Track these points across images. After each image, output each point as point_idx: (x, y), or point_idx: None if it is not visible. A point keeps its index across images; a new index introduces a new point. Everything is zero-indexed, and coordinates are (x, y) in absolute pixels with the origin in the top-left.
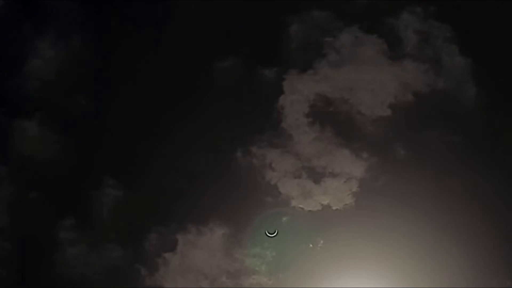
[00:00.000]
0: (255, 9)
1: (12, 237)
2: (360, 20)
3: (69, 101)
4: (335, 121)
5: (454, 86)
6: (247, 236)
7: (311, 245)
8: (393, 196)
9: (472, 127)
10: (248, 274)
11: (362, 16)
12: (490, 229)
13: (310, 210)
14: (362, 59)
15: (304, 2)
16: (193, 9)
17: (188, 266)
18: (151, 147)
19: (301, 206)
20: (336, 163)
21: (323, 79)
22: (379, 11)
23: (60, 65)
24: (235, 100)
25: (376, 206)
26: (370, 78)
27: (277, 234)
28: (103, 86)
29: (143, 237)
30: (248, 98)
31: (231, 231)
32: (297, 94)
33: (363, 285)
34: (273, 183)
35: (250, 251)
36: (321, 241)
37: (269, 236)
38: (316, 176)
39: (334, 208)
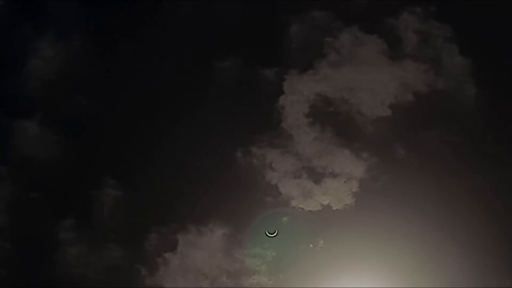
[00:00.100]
0: (255, 9)
1: (12, 237)
2: (360, 20)
3: (69, 101)
4: (335, 121)
5: (454, 86)
6: (247, 236)
7: (311, 245)
8: (393, 196)
9: (472, 127)
10: (248, 274)
11: (362, 16)
12: (490, 229)
13: (310, 210)
14: (362, 59)
15: (304, 2)
16: (193, 9)
17: (188, 266)
18: (151, 147)
19: (301, 206)
20: (336, 163)
21: (323, 79)
22: (379, 11)
23: (60, 65)
24: (235, 100)
25: (376, 206)
26: (370, 78)
27: (277, 234)
28: (103, 86)
29: (143, 237)
30: (248, 98)
31: (231, 231)
32: (297, 94)
33: (363, 285)
34: (273, 183)
35: (250, 251)
36: (321, 241)
37: (269, 236)
38: (316, 176)
39: (334, 208)
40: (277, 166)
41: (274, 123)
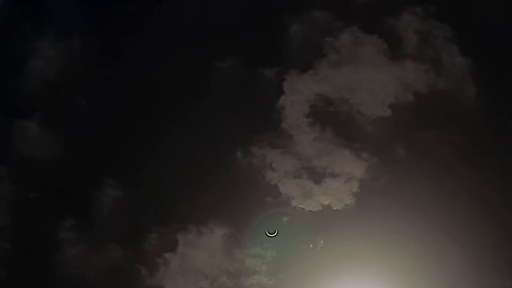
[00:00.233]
0: (255, 9)
1: (12, 237)
2: (360, 20)
3: (69, 101)
4: (336, 121)
5: (454, 86)
6: (248, 236)
7: (311, 245)
8: (393, 196)
9: (472, 127)
10: (248, 274)
11: (362, 16)
12: (490, 229)
13: (310, 210)
14: (362, 59)
15: (304, 2)
16: (193, 9)
17: (188, 266)
18: (151, 147)
19: (301, 206)
20: (336, 163)
21: (323, 79)
22: (379, 11)
23: (60, 65)
24: (235, 100)
25: (376, 206)
26: (370, 78)
27: (277, 234)
28: (103, 86)
29: (143, 237)
30: (248, 98)
31: (232, 231)
32: (297, 94)
33: (363, 285)
34: (273, 183)
35: (251, 251)
36: (322, 241)
37: (269, 236)
38: (317, 176)
39: (334, 208)
40: (277, 166)
41: (274, 123)
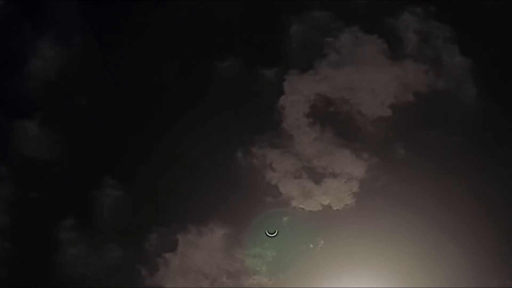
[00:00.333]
0: (255, 9)
1: (12, 237)
2: (361, 20)
3: (69, 101)
4: (336, 121)
5: (454, 87)
6: (248, 236)
7: (311, 246)
8: (394, 196)
9: (472, 127)
10: (248, 274)
11: (363, 16)
12: (490, 229)
13: (310, 210)
14: (362, 59)
15: (304, 2)
16: (193, 9)
17: (188, 266)
18: (151, 147)
19: (301, 206)
20: (336, 163)
21: (323, 79)
22: (380, 11)
23: (60, 65)
24: (235, 100)
25: (376, 206)
26: (371, 78)
27: (277, 234)
28: (103, 86)
29: (143, 237)
30: (248, 98)
31: (232, 231)
32: (298, 94)
33: (363, 285)
34: (273, 183)
35: (251, 251)
36: (322, 242)
37: (269, 236)
38: (317, 176)
39: (334, 208)
40: (277, 166)
41: (274, 123)
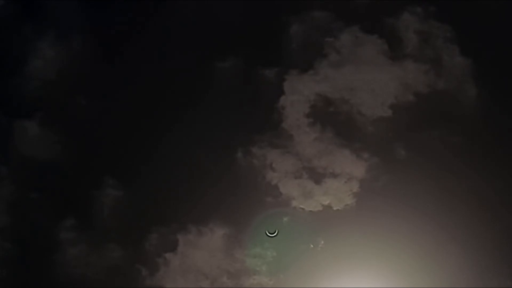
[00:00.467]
0: (255, 9)
1: (12, 237)
2: (361, 20)
3: (69, 101)
4: (336, 121)
5: (455, 87)
6: (248, 236)
7: (311, 246)
8: (394, 196)
9: (472, 128)
10: (248, 274)
11: (363, 16)
12: (490, 229)
13: (310, 211)
14: (362, 60)
15: (304, 2)
16: (193, 9)
17: (188, 266)
18: (151, 147)
19: (301, 206)
20: (336, 163)
21: (323, 79)
22: (380, 11)
23: (60, 65)
24: (235, 100)
25: (376, 206)
26: (371, 79)
27: (277, 234)
28: (103, 86)
29: (143, 237)
30: (249, 98)
31: (232, 231)
32: (298, 94)
33: (363, 285)
34: (273, 183)
35: (251, 251)
36: (322, 242)
37: (269, 236)
38: (317, 177)
39: (334, 208)
40: (278, 166)
41: (275, 123)
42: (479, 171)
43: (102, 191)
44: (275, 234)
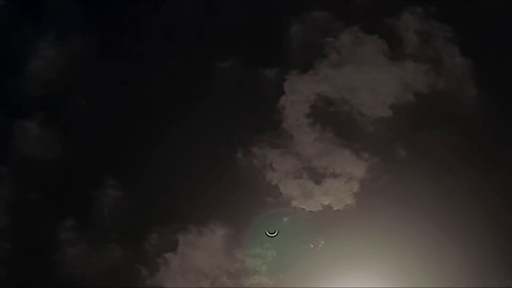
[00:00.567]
0: (255, 9)
1: (12, 237)
2: (361, 20)
3: (70, 101)
4: (336, 121)
5: (455, 87)
6: (248, 237)
7: (312, 246)
8: (394, 196)
9: (472, 128)
10: (249, 274)
11: (363, 16)
12: (490, 229)
13: (311, 211)
14: (362, 60)
15: (305, 2)
16: (193, 9)
17: (188, 266)
18: (151, 147)
19: (302, 206)
20: (337, 163)
21: (323, 79)
22: (380, 11)
23: (61, 65)
24: (235, 100)
25: (377, 206)
26: (371, 79)
27: (277, 234)
28: (103, 86)
29: (143, 237)
30: (249, 98)
31: (232, 232)
32: (298, 94)
33: (363, 285)
34: (273, 183)
35: (251, 251)
36: (322, 242)
37: (269, 236)
38: (317, 177)
39: (335, 208)
40: (278, 166)
41: (275, 123)
42: (479, 171)
43: (102, 191)
44: (275, 234)
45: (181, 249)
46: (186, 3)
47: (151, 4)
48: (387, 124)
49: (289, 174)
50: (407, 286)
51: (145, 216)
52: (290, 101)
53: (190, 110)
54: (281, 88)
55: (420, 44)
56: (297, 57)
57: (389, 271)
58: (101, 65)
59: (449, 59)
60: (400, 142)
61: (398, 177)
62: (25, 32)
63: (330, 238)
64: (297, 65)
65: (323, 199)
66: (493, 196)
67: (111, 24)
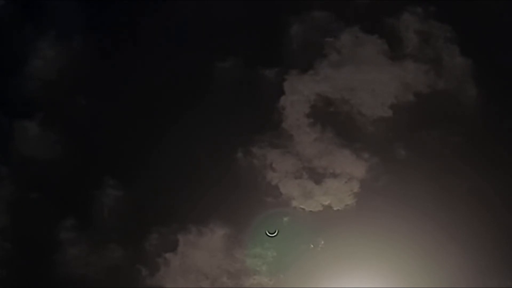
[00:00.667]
0: (255, 9)
1: (12, 237)
2: (361, 20)
3: (70, 101)
4: (336, 121)
5: (455, 87)
6: (248, 237)
7: (312, 246)
8: (394, 196)
9: (472, 128)
10: (249, 274)
11: (363, 16)
12: (490, 229)
13: (311, 211)
14: (362, 60)
15: (305, 2)
16: (193, 9)
17: (188, 266)
18: (151, 147)
19: (302, 206)
20: (337, 163)
21: (323, 79)
22: (380, 11)
23: (61, 65)
24: (235, 100)
25: (377, 207)
26: (371, 79)
27: (277, 234)
28: (103, 86)
29: (143, 237)
30: (249, 98)
31: (232, 232)
32: (298, 94)
33: (363, 285)
34: (274, 183)
35: (251, 251)
36: (322, 242)
37: (269, 236)
38: (317, 177)
39: (335, 208)
40: (278, 166)
41: (275, 123)
42: (479, 171)
43: (102, 191)
44: (275, 234)
45: (181, 249)
46: (186, 3)
47: (151, 4)
48: (387, 124)
49: (289, 174)
50: (407, 286)
51: (145, 216)
52: (290, 101)
53: (190, 110)
54: (281, 88)
55: (420, 44)
56: (297, 57)
57: (389, 271)
58: (101, 65)
59: (449, 59)
60: (400, 142)
61: (398, 177)
62: (25, 32)
63: (330, 238)
64: (297, 65)
65: (323, 199)
66: (493, 196)
67: (111, 24)
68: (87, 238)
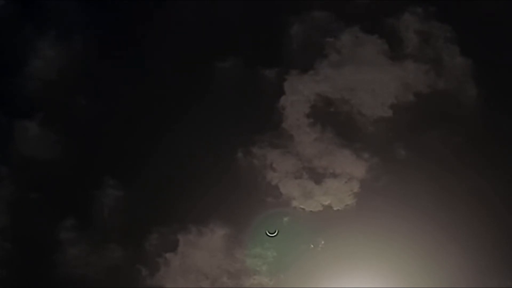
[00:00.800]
0: (255, 9)
1: (12, 237)
2: (361, 21)
3: (70, 101)
4: (336, 121)
5: (455, 87)
6: (248, 237)
7: (312, 246)
8: (394, 196)
9: (472, 128)
10: (249, 274)
11: (363, 16)
12: (490, 229)
13: (311, 211)
14: (363, 60)
15: (305, 2)
16: (193, 9)
17: (189, 266)
18: (151, 147)
19: (302, 206)
20: (337, 163)
21: (324, 79)
22: (380, 11)
23: (61, 65)
24: (235, 100)
25: (377, 207)
26: (371, 79)
27: (277, 234)
28: (103, 86)
29: (143, 237)
30: (249, 98)
31: (232, 232)
32: (298, 94)
33: (363, 285)
34: (274, 183)
35: (251, 251)
36: (322, 242)
37: (269, 237)
38: (317, 177)
39: (335, 208)
40: (278, 166)
41: (275, 123)
42: (479, 171)
43: (102, 191)
44: (275, 234)
45: (181, 249)
46: (186, 3)
47: (151, 4)
48: (387, 124)
49: (289, 174)
50: (407, 286)
51: (145, 216)
52: (290, 101)
53: (190, 110)
54: (281, 88)
55: (420, 44)
56: (297, 57)
57: (389, 271)
58: (101, 65)
59: (449, 59)
60: (400, 142)
61: (398, 177)
62: (25, 32)
63: (330, 238)
64: (297, 65)
65: (323, 199)
66: (493, 196)
67: (111, 24)
68: (87, 238)
